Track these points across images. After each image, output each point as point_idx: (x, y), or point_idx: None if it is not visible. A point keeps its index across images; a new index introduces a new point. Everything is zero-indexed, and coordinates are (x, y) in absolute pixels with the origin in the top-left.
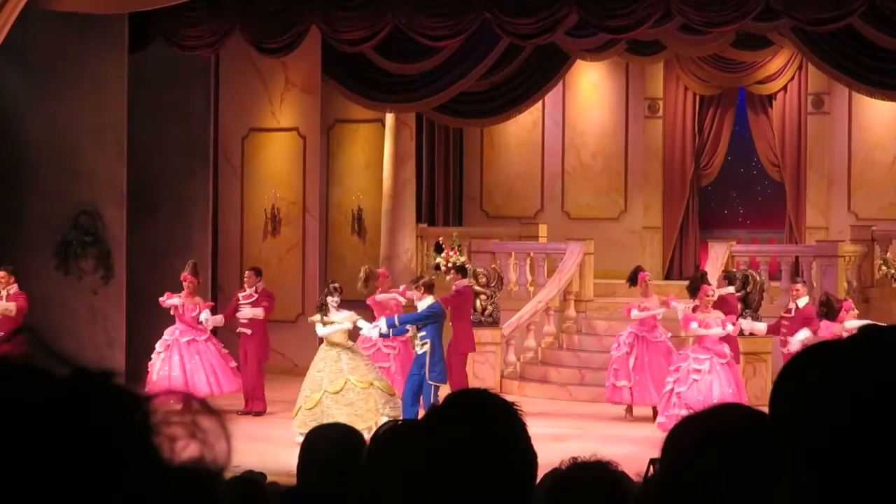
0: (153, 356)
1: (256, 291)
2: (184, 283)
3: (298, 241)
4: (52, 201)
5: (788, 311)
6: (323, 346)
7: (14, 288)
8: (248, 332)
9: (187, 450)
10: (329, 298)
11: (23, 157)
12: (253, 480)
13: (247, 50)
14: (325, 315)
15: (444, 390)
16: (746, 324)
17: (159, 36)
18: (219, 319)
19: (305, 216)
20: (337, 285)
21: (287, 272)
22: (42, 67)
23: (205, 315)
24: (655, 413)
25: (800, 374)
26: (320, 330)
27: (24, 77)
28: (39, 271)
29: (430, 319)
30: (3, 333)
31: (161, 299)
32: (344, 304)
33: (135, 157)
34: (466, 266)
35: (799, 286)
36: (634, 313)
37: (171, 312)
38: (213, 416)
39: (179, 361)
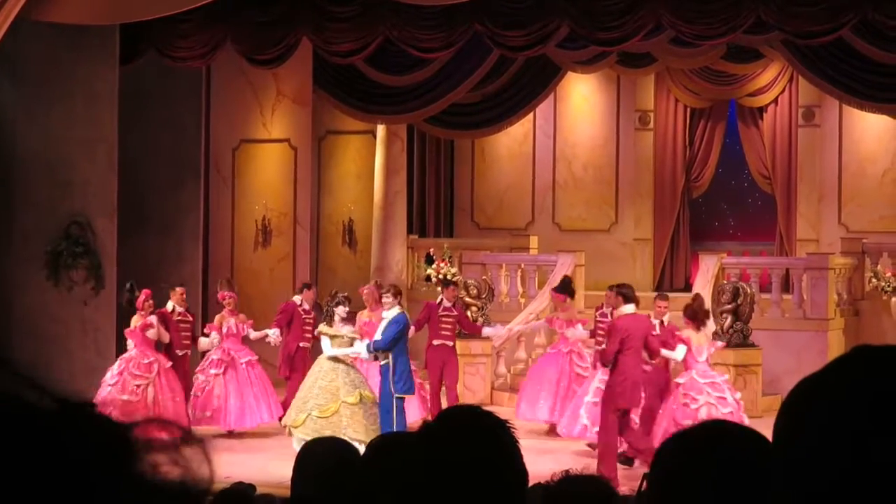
0: (202, 376)
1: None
2: (224, 302)
3: (289, 253)
4: (42, 212)
5: (600, 317)
6: (325, 357)
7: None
8: (308, 345)
9: (170, 475)
10: (338, 308)
11: (13, 167)
12: (243, 493)
13: (238, 61)
14: (330, 326)
15: (412, 401)
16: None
17: (151, 47)
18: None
19: (296, 227)
20: (345, 295)
21: (278, 283)
22: (33, 78)
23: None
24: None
25: (803, 409)
26: (327, 348)
27: (15, 88)
28: (30, 282)
29: (400, 335)
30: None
31: (252, 335)
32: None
33: (126, 168)
34: (455, 279)
35: (663, 304)
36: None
37: (224, 332)
38: (195, 443)
39: (237, 388)
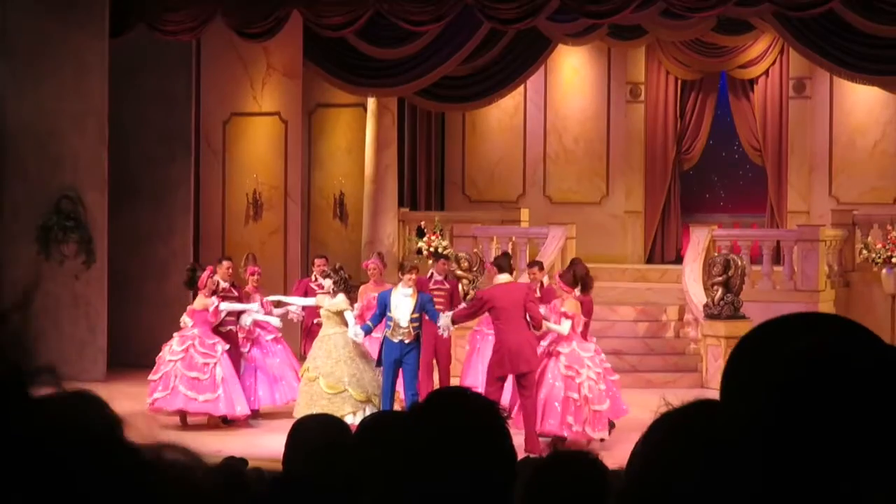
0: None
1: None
2: (251, 279)
3: (280, 226)
4: (33, 186)
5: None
6: (333, 330)
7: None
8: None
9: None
10: (325, 281)
11: (3, 142)
12: (234, 468)
13: (228, 35)
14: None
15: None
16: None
17: (141, 21)
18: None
19: (287, 201)
20: (335, 267)
21: (269, 257)
22: (23, 52)
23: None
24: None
25: (751, 356)
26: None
27: (4, 62)
28: (21, 256)
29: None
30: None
31: (269, 300)
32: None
33: (116, 142)
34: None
35: (535, 270)
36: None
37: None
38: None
39: (263, 366)
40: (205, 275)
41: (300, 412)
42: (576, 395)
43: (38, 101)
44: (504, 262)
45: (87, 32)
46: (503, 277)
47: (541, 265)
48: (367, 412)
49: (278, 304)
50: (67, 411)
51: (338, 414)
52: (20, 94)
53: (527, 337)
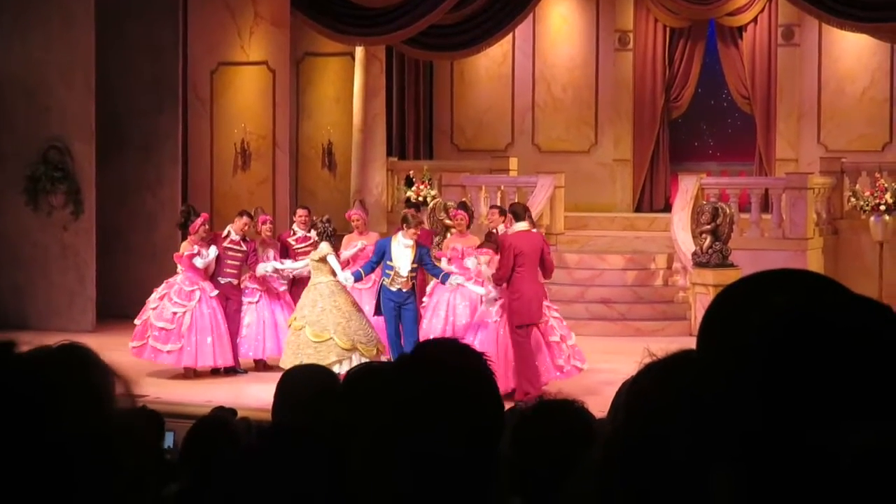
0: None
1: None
2: (263, 228)
3: (269, 176)
4: (20, 137)
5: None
6: (319, 279)
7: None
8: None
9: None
10: (311, 233)
11: None
12: (221, 418)
13: None
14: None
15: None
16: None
17: None
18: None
19: (275, 150)
20: (323, 220)
21: (257, 206)
22: (9, 2)
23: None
24: None
25: (730, 310)
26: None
27: None
28: (9, 207)
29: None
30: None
31: (266, 271)
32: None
33: (103, 92)
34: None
35: (495, 213)
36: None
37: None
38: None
39: (271, 315)
40: (198, 221)
41: (287, 362)
42: (556, 338)
43: (25, 52)
44: (521, 210)
45: None
46: (522, 225)
47: (501, 209)
48: (354, 361)
49: (276, 272)
50: (53, 367)
51: (323, 363)
52: (7, 45)
53: (541, 287)
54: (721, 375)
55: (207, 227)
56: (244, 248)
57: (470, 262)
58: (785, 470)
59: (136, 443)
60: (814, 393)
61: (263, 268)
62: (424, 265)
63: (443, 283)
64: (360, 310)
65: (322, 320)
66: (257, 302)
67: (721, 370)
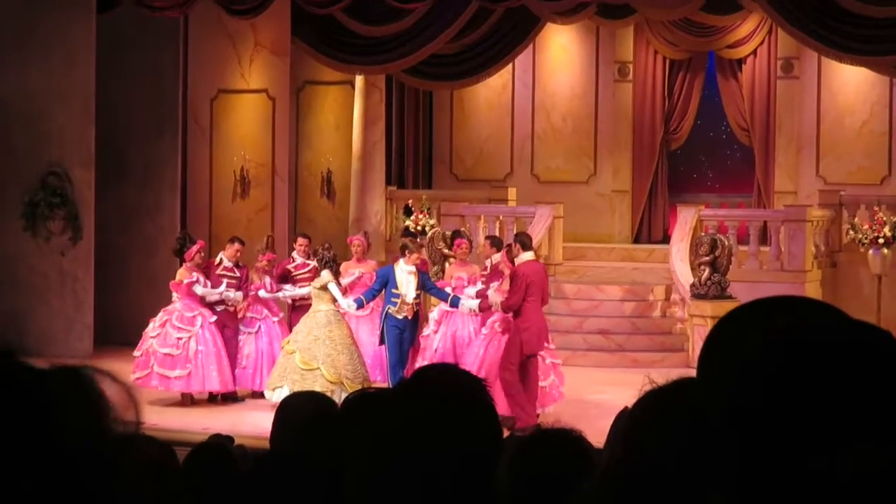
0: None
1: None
2: (263, 260)
3: (268, 204)
4: (20, 162)
5: (485, 268)
6: (318, 308)
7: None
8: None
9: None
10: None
11: None
12: (220, 446)
13: (216, 11)
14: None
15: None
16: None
17: None
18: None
19: (275, 178)
20: (323, 246)
21: (256, 234)
22: (10, 28)
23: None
24: None
25: (730, 337)
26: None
27: None
28: (7, 232)
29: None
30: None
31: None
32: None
33: (103, 118)
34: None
35: (488, 245)
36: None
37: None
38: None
39: (269, 345)
40: (193, 248)
41: (272, 383)
42: (544, 384)
43: (26, 77)
44: (527, 240)
45: (75, 8)
46: (528, 255)
47: (494, 240)
48: (336, 395)
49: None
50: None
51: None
52: (7, 69)
53: (544, 317)
54: (721, 398)
55: (203, 254)
56: (238, 273)
57: (470, 292)
58: (785, 494)
59: (141, 463)
60: (814, 416)
61: (229, 296)
62: (428, 290)
63: (453, 306)
64: (354, 343)
65: (313, 349)
66: (256, 332)
67: (721, 392)
